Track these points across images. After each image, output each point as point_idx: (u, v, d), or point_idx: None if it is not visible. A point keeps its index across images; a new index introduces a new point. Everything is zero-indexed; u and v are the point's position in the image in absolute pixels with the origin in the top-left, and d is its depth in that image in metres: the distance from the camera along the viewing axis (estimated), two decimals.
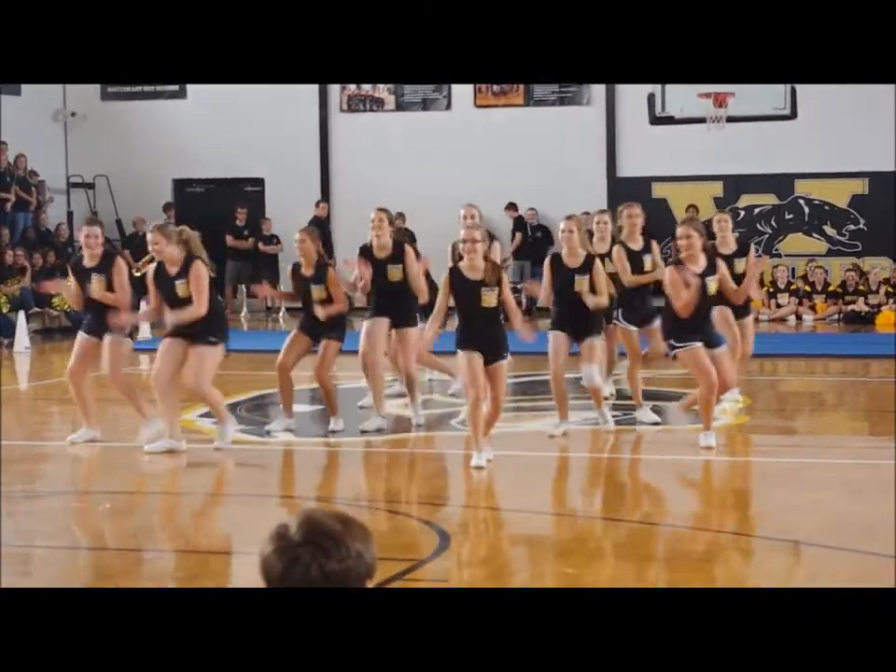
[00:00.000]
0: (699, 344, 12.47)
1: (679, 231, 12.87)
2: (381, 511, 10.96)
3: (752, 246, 15.49)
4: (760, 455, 13.46)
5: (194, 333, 12.82)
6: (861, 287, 26.07)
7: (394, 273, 14.05)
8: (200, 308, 12.71)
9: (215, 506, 11.77)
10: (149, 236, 13.21)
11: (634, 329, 14.32)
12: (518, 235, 27.49)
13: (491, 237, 14.00)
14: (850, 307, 25.85)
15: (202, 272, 12.82)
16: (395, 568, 8.78)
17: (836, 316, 25.76)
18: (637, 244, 14.63)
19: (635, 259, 14.44)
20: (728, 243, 14.92)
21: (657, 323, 13.72)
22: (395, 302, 14.05)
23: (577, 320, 13.16)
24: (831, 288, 26.08)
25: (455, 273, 12.11)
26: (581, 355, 13.33)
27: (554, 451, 13.13)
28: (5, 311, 23.77)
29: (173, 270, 12.90)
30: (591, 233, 15.04)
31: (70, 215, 29.34)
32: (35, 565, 9.90)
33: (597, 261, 13.26)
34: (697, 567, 9.31)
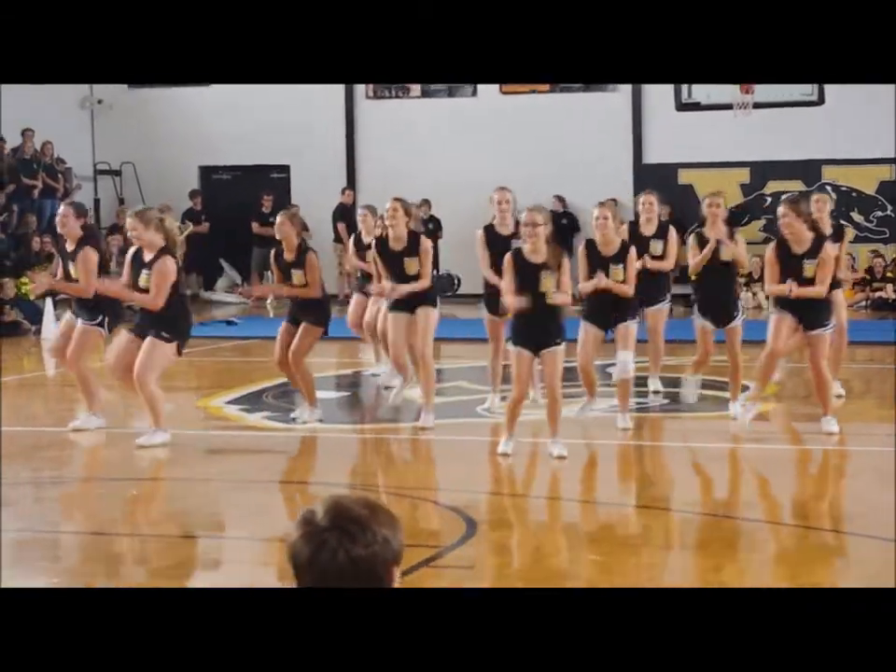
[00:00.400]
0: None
1: (780, 209, 12.60)
2: (406, 498, 10.92)
3: (847, 231, 14.86)
4: (784, 442, 13.41)
5: (149, 326, 12.65)
6: (889, 274, 25.96)
7: (410, 265, 13.62)
8: (155, 301, 12.54)
9: (237, 492, 11.74)
10: (128, 221, 13.02)
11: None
12: None
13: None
14: (878, 294, 25.74)
15: (166, 268, 12.57)
16: (421, 555, 8.77)
17: (864, 303, 25.64)
18: (650, 229, 14.62)
19: (642, 243, 14.33)
20: (824, 225, 14.16)
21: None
22: (412, 295, 13.64)
23: (611, 307, 12.92)
24: (858, 275, 25.95)
25: (517, 254, 11.85)
26: (617, 341, 13.13)
27: (583, 438, 13.08)
28: (32, 298, 23.80)
29: (147, 257, 12.71)
30: (637, 215, 15.09)
31: (97, 202, 29.39)
32: (63, 550, 9.92)
33: (632, 250, 13.06)
34: (723, 553, 9.28)
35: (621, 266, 12.85)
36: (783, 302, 12.50)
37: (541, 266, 11.68)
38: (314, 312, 13.52)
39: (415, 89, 28.86)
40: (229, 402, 15.52)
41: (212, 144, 29.27)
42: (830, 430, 12.57)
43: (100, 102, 29.66)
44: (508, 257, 11.93)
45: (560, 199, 27.63)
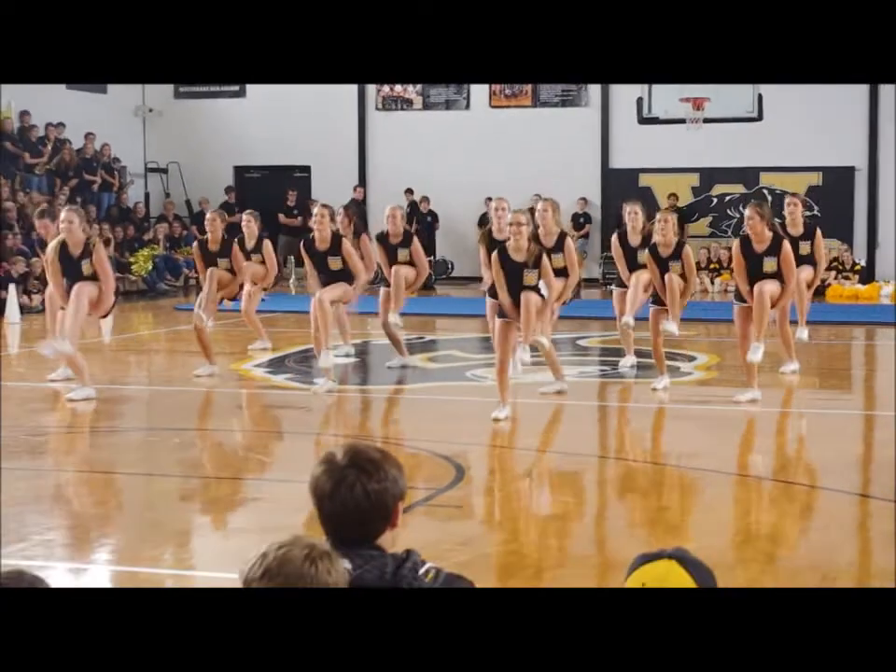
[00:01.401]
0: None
1: (746, 212, 12.46)
2: (405, 447, 10.92)
3: (818, 231, 14.39)
4: (720, 403, 13.44)
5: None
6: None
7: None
8: (109, 283, 12.47)
9: (263, 441, 11.75)
10: (63, 214, 12.71)
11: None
12: None
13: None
14: None
15: (102, 254, 12.55)
16: (418, 496, 8.77)
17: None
18: (637, 240, 14.17)
19: (630, 253, 14.11)
20: (796, 225, 14.14)
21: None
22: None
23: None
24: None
25: (503, 254, 11.64)
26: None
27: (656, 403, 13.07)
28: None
29: (76, 251, 12.49)
30: (624, 224, 14.54)
31: (147, 195, 29.39)
32: (115, 489, 9.92)
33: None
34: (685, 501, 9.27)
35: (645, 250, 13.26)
36: (741, 298, 12.43)
37: (523, 265, 11.56)
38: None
39: (417, 102, 28.80)
40: (257, 366, 15.51)
41: (245, 147, 29.21)
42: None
43: (151, 110, 29.60)
44: (494, 256, 11.75)
45: (584, 200, 27.63)
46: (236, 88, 29.20)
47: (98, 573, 7.64)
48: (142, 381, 13.89)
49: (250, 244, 15.69)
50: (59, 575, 7.42)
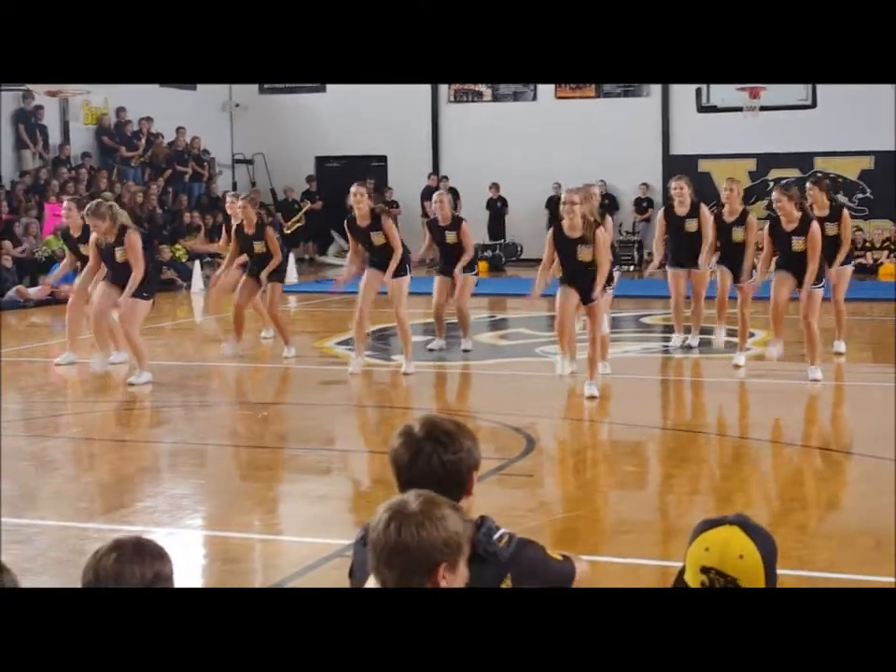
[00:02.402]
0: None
1: (774, 195, 12.28)
2: (478, 419, 10.90)
3: (845, 211, 13.84)
4: (783, 377, 13.28)
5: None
6: (868, 244, 25.62)
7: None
8: (138, 272, 12.23)
9: (345, 414, 11.78)
10: (87, 220, 12.47)
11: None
12: None
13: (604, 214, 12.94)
14: (859, 260, 25.38)
15: (134, 240, 12.30)
16: (492, 465, 8.77)
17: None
18: (683, 210, 14.11)
19: (678, 222, 14.07)
20: (822, 207, 13.45)
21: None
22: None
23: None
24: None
25: (558, 231, 11.41)
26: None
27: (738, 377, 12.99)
28: (184, 260, 23.93)
29: (110, 240, 12.36)
30: (671, 199, 14.36)
31: (234, 185, 29.45)
32: (207, 459, 10.00)
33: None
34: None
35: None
36: (781, 264, 12.29)
37: (578, 240, 11.30)
38: (398, 267, 12.96)
39: (487, 94, 28.70)
40: (338, 343, 15.56)
41: (325, 138, 29.25)
42: (814, 378, 12.07)
43: (237, 105, 29.72)
44: (549, 232, 11.54)
45: (645, 185, 27.32)
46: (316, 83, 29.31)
47: (192, 537, 7.71)
48: (231, 358, 13.96)
49: (249, 231, 14.10)
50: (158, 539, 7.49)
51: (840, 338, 14.01)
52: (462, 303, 14.36)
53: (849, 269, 14.22)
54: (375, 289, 13.16)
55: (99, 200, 13.01)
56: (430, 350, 14.52)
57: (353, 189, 13.09)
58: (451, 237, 14.30)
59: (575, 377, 12.00)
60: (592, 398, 11.41)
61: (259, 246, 13.95)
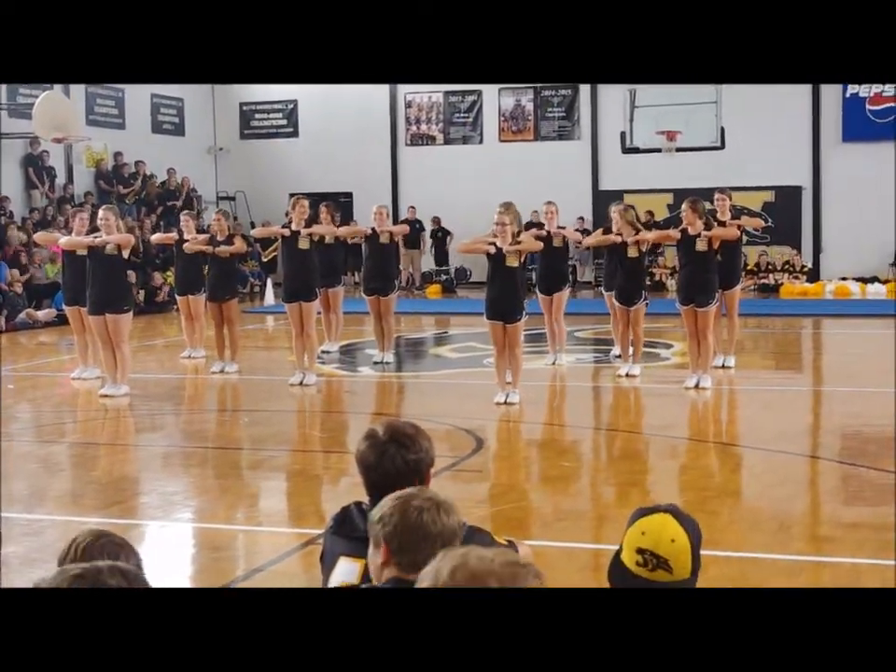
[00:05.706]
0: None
1: (682, 206, 12.31)
2: (433, 422, 10.88)
3: (743, 216, 14.01)
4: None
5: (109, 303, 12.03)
6: (770, 267, 25.86)
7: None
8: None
9: (316, 419, 11.73)
10: (101, 213, 12.35)
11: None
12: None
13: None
14: (762, 281, 25.61)
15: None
16: (445, 463, 8.75)
17: (752, 287, 25.47)
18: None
19: (620, 249, 13.75)
20: (725, 214, 13.57)
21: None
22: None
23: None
24: (749, 267, 25.72)
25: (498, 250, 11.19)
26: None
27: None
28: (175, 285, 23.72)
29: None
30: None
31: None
32: (195, 460, 9.92)
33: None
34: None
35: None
36: (684, 263, 12.33)
37: (507, 254, 11.09)
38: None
39: (440, 138, 28.75)
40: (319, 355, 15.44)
41: (298, 178, 29.18)
42: (703, 385, 11.96)
43: (220, 149, 29.69)
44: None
45: (581, 219, 27.11)
46: (291, 129, 29.36)
47: (182, 529, 7.64)
48: (217, 371, 13.85)
49: (221, 239, 14.20)
50: (150, 531, 7.43)
51: (731, 353, 13.77)
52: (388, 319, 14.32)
53: (738, 289, 14.08)
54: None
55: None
56: (376, 363, 14.30)
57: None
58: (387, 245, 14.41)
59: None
60: (497, 403, 11.28)
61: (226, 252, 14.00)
